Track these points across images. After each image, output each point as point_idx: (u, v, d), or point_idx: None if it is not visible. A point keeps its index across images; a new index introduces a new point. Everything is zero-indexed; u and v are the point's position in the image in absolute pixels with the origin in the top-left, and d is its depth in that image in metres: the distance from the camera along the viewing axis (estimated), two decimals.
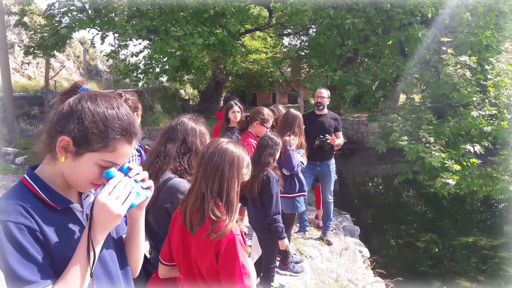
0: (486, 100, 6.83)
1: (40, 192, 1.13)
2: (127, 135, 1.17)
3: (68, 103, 1.16)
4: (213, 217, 1.55)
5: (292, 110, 4.31)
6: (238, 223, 1.59)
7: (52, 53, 12.89)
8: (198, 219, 1.58)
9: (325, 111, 5.36)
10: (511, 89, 6.60)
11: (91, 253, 1.10)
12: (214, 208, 1.56)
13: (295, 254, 4.85)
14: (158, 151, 2.00)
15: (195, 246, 1.61)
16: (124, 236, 1.37)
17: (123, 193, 1.13)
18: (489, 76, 7.00)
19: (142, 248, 1.39)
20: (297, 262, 4.54)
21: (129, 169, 1.21)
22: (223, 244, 1.53)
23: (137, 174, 1.22)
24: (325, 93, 5.34)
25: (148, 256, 2.02)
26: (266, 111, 4.11)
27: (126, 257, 1.34)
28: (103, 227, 1.13)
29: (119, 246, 1.32)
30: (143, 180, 1.24)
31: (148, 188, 1.26)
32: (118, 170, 1.18)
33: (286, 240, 3.47)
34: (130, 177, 1.19)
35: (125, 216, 1.27)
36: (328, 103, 5.43)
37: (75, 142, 1.12)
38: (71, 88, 1.36)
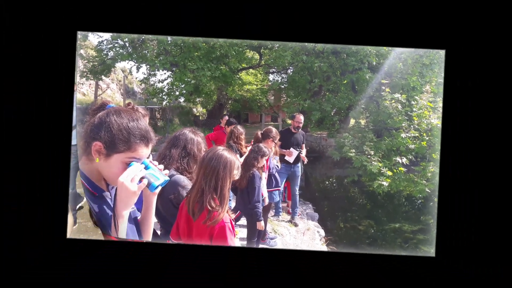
0: (412, 126, 6.93)
1: (85, 183, 1.15)
2: (144, 139, 1.15)
3: (98, 117, 1.14)
4: (209, 207, 1.48)
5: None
6: (228, 213, 1.53)
7: (100, 77, 12.70)
8: (198, 208, 1.51)
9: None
10: (429, 119, 6.71)
11: (117, 221, 1.10)
12: (211, 200, 1.49)
13: (271, 232, 4.77)
14: (164, 154, 1.92)
15: (195, 229, 1.54)
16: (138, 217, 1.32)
17: (137, 174, 1.10)
18: (414, 109, 7.11)
19: (152, 226, 1.36)
20: (272, 238, 4.47)
21: (149, 163, 1.18)
22: (216, 229, 1.47)
23: (156, 165, 1.21)
24: (302, 119, 5.33)
25: (158, 233, 1.93)
26: (274, 130, 4.16)
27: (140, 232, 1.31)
28: (124, 203, 1.11)
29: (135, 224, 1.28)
30: (161, 170, 1.22)
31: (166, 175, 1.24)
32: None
33: (262, 222, 3.41)
34: (150, 167, 1.16)
35: (140, 203, 1.21)
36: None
37: (106, 146, 1.09)
38: (99, 105, 1.31)
